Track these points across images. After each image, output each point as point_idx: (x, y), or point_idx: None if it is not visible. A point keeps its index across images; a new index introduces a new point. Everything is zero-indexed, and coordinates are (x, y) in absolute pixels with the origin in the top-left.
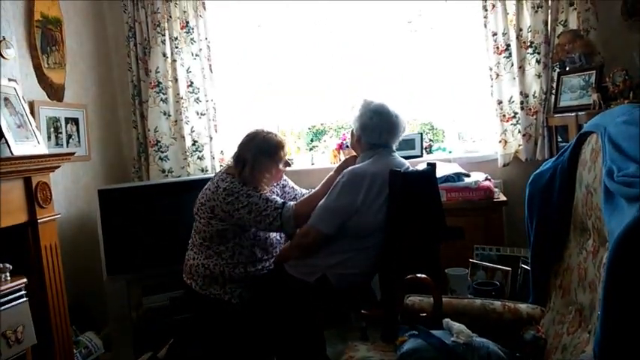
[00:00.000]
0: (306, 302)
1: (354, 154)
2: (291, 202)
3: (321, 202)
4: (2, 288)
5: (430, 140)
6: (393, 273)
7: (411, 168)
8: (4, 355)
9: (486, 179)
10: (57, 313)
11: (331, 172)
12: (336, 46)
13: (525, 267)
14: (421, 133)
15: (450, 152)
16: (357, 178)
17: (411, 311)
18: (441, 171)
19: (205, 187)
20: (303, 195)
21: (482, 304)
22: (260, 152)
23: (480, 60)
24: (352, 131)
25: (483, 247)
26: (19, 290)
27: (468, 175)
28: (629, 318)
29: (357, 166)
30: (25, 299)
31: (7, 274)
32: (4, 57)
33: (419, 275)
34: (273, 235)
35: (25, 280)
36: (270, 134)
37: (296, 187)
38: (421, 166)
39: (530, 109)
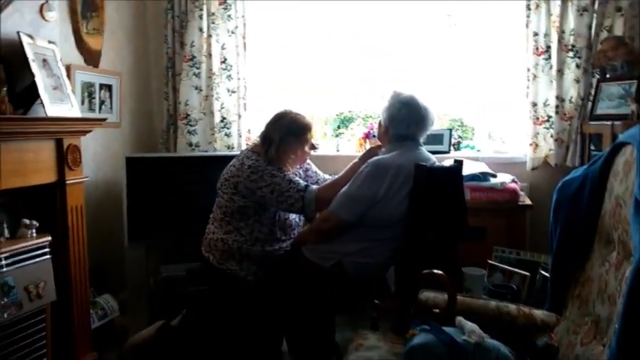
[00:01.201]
0: (320, 286)
1: (380, 144)
2: (314, 186)
3: (343, 189)
4: (28, 244)
5: (459, 137)
6: (409, 266)
7: (437, 163)
8: (26, 308)
9: (513, 181)
10: (77, 273)
11: (355, 160)
12: (373, 33)
13: (544, 273)
14: (450, 129)
15: (479, 151)
16: (381, 169)
17: (425, 306)
18: (467, 169)
19: (230, 163)
20: (326, 180)
21: (497, 307)
22: (287, 132)
23: (517, 60)
24: (380, 122)
25: (503, 250)
26: (44, 247)
27: (494, 176)
28: None
29: (382, 156)
30: (48, 256)
31: (34, 230)
32: (45, 19)
33: (435, 271)
34: (292, 216)
35: (49, 237)
36: (298, 116)
37: (319, 171)
38: (448, 163)
39: (565, 114)
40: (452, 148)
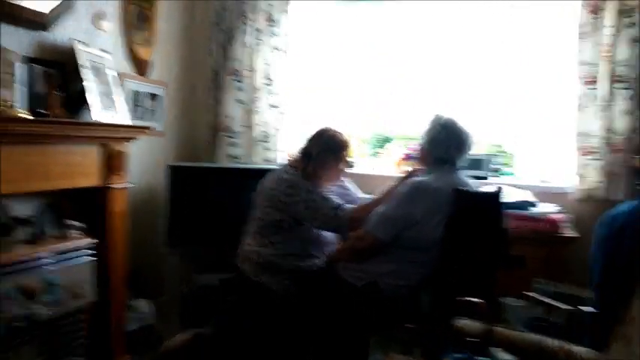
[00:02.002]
0: (352, 305)
1: (418, 166)
2: (349, 205)
3: (380, 208)
4: (73, 244)
5: (501, 163)
6: (445, 292)
7: (476, 188)
8: (67, 306)
9: (556, 212)
10: (116, 276)
11: (393, 182)
12: (415, 56)
13: (587, 309)
14: (491, 155)
15: (520, 178)
16: (419, 190)
17: (460, 334)
18: (510, 197)
19: (268, 176)
20: (360, 199)
21: (536, 340)
22: (326, 148)
23: (565, 88)
24: (420, 144)
25: (544, 282)
26: (88, 249)
27: (536, 205)
28: None
29: (421, 178)
30: (91, 258)
31: (79, 231)
32: (100, 28)
33: (473, 299)
34: (327, 233)
35: (95, 240)
36: (337, 133)
37: (355, 190)
38: (488, 189)
39: (613, 146)
40: (492, 174)
